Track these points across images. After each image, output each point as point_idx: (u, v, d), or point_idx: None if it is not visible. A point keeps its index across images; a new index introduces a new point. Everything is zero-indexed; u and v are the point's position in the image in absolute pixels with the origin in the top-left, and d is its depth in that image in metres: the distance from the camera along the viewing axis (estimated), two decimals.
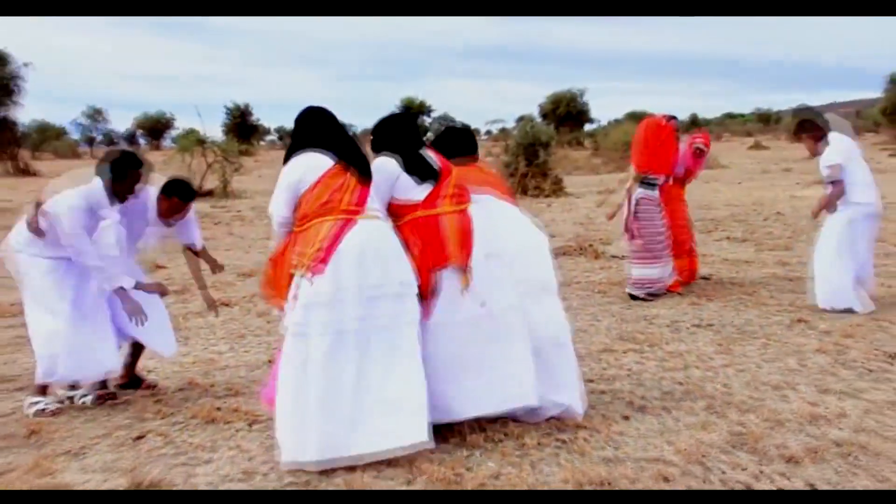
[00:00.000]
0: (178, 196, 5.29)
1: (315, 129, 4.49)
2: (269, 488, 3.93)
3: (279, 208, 4.44)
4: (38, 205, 5.04)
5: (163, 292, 5.37)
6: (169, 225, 5.42)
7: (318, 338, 4.15)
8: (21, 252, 5.10)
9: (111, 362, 5.12)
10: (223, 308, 7.86)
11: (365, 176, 4.41)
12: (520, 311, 4.61)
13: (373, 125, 4.82)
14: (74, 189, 5.01)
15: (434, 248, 4.45)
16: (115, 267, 4.97)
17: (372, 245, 4.27)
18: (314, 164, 4.36)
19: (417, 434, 4.16)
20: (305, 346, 4.18)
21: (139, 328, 5.16)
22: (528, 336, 4.60)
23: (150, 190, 5.29)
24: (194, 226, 5.63)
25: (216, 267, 5.70)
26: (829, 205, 7.39)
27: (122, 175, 5.01)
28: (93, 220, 4.96)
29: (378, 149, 4.73)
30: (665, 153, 8.23)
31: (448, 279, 4.44)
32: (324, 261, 4.18)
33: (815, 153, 7.58)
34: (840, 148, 7.36)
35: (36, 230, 5.02)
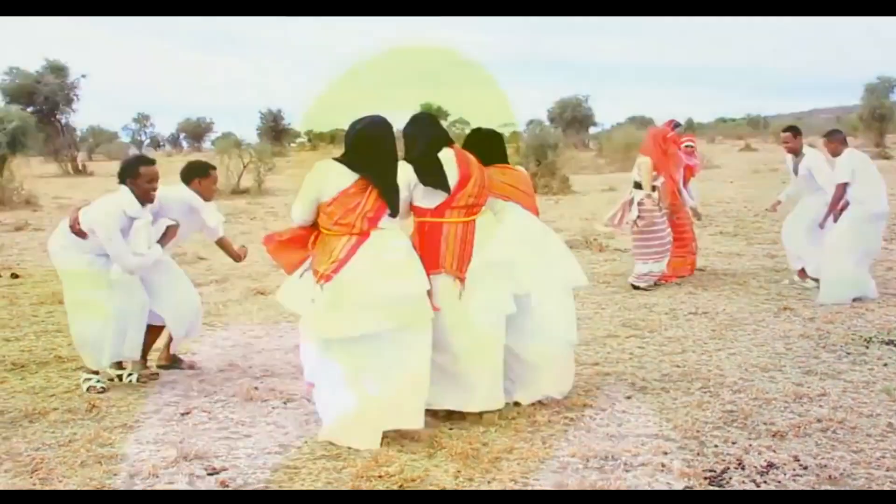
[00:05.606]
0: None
1: (360, 146, 4.32)
2: (303, 461, 3.98)
3: (299, 215, 4.41)
4: (78, 209, 5.08)
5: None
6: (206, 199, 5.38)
7: (334, 341, 4.22)
8: (66, 249, 5.08)
9: (130, 349, 5.18)
10: (259, 296, 7.91)
11: (385, 197, 4.30)
12: (501, 321, 4.53)
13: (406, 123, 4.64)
14: (105, 198, 5.10)
15: (431, 254, 4.43)
16: (149, 261, 5.04)
17: (383, 256, 4.23)
18: (333, 182, 4.26)
19: (414, 423, 4.21)
20: (325, 349, 4.25)
21: (168, 315, 5.28)
22: (500, 347, 4.54)
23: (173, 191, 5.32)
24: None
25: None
26: (832, 208, 7.30)
27: (122, 181, 5.02)
28: (128, 222, 4.98)
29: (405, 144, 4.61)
30: (670, 157, 8.24)
31: (439, 284, 4.42)
32: (335, 271, 4.19)
33: (834, 155, 7.43)
34: (852, 163, 7.26)
35: (78, 232, 4.99)
